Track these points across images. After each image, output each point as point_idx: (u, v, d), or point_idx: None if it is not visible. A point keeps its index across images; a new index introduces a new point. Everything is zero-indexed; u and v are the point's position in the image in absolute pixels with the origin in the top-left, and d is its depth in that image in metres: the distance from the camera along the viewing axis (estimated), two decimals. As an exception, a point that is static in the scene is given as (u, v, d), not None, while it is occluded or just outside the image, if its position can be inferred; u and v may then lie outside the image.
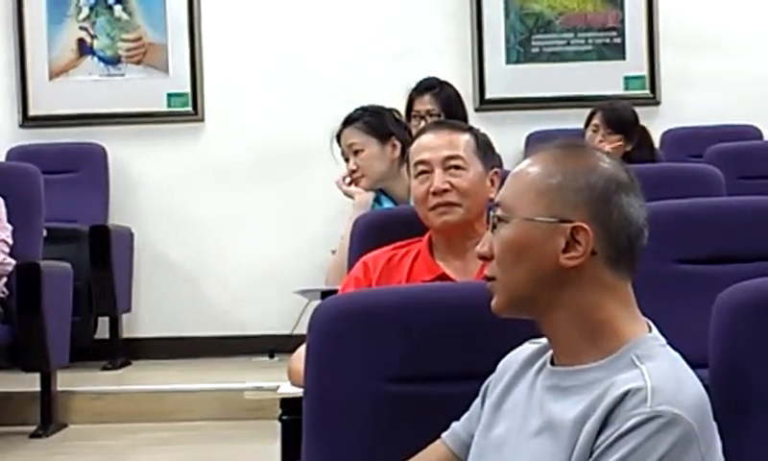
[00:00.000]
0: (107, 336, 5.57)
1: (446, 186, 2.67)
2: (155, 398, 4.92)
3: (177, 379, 5.16)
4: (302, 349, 2.54)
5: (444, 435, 1.83)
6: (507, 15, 5.84)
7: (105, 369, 5.43)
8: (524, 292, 1.65)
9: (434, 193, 2.67)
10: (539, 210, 1.64)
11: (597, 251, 1.61)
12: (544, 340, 1.72)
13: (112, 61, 5.90)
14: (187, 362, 5.52)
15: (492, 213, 1.71)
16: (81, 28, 5.89)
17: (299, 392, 2.09)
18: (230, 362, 5.47)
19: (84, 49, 5.90)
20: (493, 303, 1.69)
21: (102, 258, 5.37)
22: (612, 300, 1.63)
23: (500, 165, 2.98)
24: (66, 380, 4.87)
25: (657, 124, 5.56)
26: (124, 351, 5.60)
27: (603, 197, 1.62)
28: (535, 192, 1.65)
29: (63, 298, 4.83)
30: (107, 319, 5.56)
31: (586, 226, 1.61)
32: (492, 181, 2.74)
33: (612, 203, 1.62)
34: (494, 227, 1.68)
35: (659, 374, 1.56)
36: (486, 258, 1.69)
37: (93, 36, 5.90)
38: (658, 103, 5.83)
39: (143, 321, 5.79)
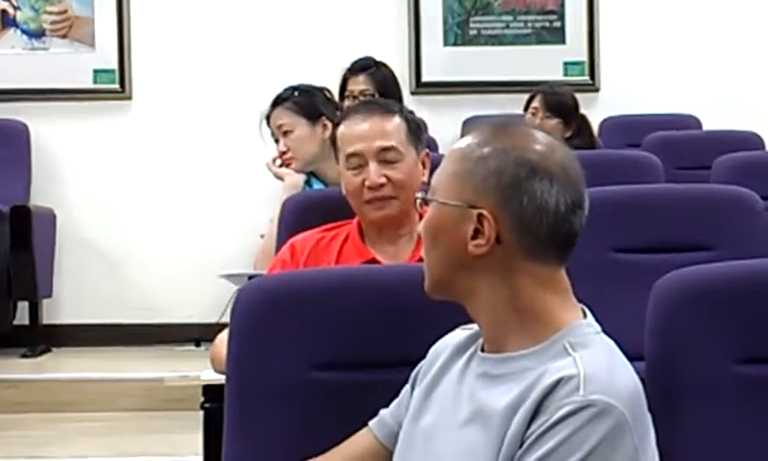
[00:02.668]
0: (26, 322, 5.43)
1: (382, 180, 2.60)
2: (75, 387, 4.81)
3: (99, 368, 5.04)
4: (225, 333, 2.45)
5: (371, 423, 1.79)
6: (445, -4, 5.77)
7: (24, 356, 5.29)
8: (440, 276, 1.65)
9: (369, 187, 2.60)
10: (452, 194, 1.63)
11: (505, 239, 1.59)
12: (476, 326, 1.68)
13: (36, 35, 5.74)
14: (110, 350, 5.41)
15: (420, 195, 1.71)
16: (3, -1, 5.77)
17: (221, 379, 2.02)
18: (155, 350, 5.38)
19: (6, 21, 5.75)
20: (424, 284, 1.68)
21: (22, 241, 5.23)
22: (538, 287, 1.60)
23: (434, 148, 2.89)
24: (-17, 368, 4.75)
25: (596, 111, 5.55)
26: (44, 338, 5.46)
27: (512, 184, 1.59)
28: (452, 176, 1.64)
29: (-19, 281, 4.69)
30: (26, 304, 5.43)
31: (486, 213, 1.59)
32: (423, 164, 2.67)
33: (523, 189, 1.58)
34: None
35: (592, 362, 1.53)
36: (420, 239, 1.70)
37: (16, 8, 5.75)
38: (597, 90, 5.81)
39: (64, 306, 5.66)
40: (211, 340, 5.09)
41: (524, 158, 1.60)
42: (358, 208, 2.64)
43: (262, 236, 3.86)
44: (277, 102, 3.77)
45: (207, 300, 5.35)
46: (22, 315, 5.42)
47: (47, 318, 5.55)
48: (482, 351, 1.65)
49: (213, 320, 5.04)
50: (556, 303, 1.61)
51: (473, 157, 1.62)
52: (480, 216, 1.59)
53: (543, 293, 1.60)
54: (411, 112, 2.74)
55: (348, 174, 2.64)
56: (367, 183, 2.59)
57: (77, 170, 5.72)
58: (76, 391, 4.77)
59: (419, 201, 1.68)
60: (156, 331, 5.53)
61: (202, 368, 2.71)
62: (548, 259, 1.61)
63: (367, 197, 2.60)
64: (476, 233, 1.59)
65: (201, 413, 2.41)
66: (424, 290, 1.67)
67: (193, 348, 5.34)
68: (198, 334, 5.32)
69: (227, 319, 4.64)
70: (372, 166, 2.60)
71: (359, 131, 2.65)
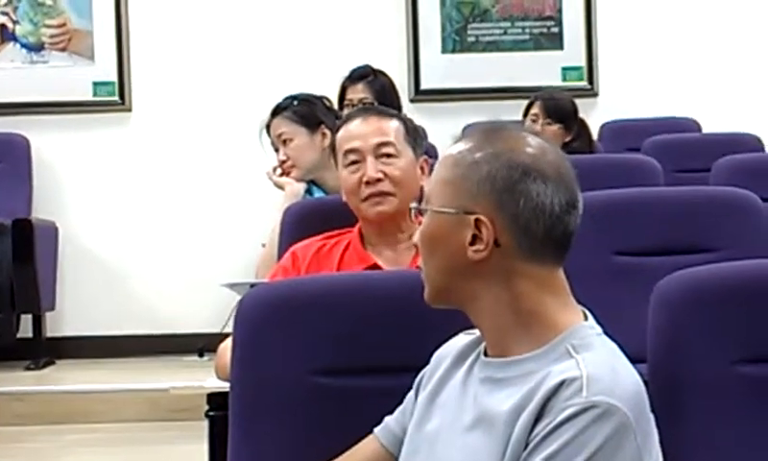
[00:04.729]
0: (30, 335, 5.44)
1: (380, 176, 2.61)
2: (79, 399, 4.82)
3: (102, 380, 5.06)
4: (229, 342, 2.45)
5: (376, 430, 1.79)
6: (443, 4, 5.78)
7: (27, 369, 5.30)
8: (440, 284, 1.64)
9: (367, 183, 2.60)
10: (447, 201, 1.62)
11: (503, 242, 1.58)
12: (479, 331, 1.68)
13: (35, 48, 5.75)
14: (113, 362, 5.41)
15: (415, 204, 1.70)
16: (2, 12, 5.75)
17: (226, 386, 2.02)
18: (158, 361, 5.38)
19: (5, 35, 5.76)
20: (424, 293, 1.67)
21: (25, 253, 5.24)
22: (538, 289, 1.60)
23: (434, 155, 2.91)
24: (-13, 380, 4.75)
25: (594, 116, 5.55)
26: (47, 351, 5.47)
27: (506, 187, 1.59)
28: (445, 183, 1.63)
29: (-16, 294, 4.68)
30: (29, 317, 5.43)
31: (484, 218, 1.58)
32: (422, 169, 2.68)
33: (518, 191, 1.58)
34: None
35: (594, 364, 1.53)
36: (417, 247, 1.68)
37: (15, 22, 5.76)
38: (596, 94, 5.81)
39: (68, 319, 5.66)
40: (214, 350, 5.09)
41: (516, 161, 1.60)
42: (356, 207, 2.63)
43: (263, 245, 3.86)
44: (277, 111, 3.76)
45: (210, 310, 5.33)
46: (26, 328, 5.43)
47: (50, 331, 5.56)
48: (485, 355, 1.65)
49: (216, 330, 5.02)
50: (556, 306, 1.60)
51: (465, 162, 1.61)
52: (477, 221, 1.58)
53: (544, 295, 1.60)
54: (412, 121, 2.75)
55: (346, 172, 2.65)
56: (364, 179, 2.60)
57: (78, 182, 5.72)
58: (80, 402, 4.78)
59: (413, 211, 1.67)
60: (158, 342, 5.52)
61: (205, 378, 2.72)
62: (546, 260, 1.60)
63: (364, 193, 2.60)
64: (474, 239, 1.59)
65: (204, 423, 2.40)
66: (424, 299, 1.66)
67: (196, 358, 5.32)
68: (201, 345, 5.29)
69: (230, 329, 4.64)
70: (370, 161, 2.61)
71: (356, 129, 2.67)
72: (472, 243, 1.59)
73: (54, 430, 4.60)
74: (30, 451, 4.42)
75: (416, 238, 1.67)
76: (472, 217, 1.59)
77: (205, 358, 5.18)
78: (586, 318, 1.64)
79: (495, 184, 1.59)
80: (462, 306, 1.64)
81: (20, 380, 5.07)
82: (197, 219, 5.69)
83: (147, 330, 5.60)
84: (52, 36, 5.74)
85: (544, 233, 1.59)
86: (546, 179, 1.59)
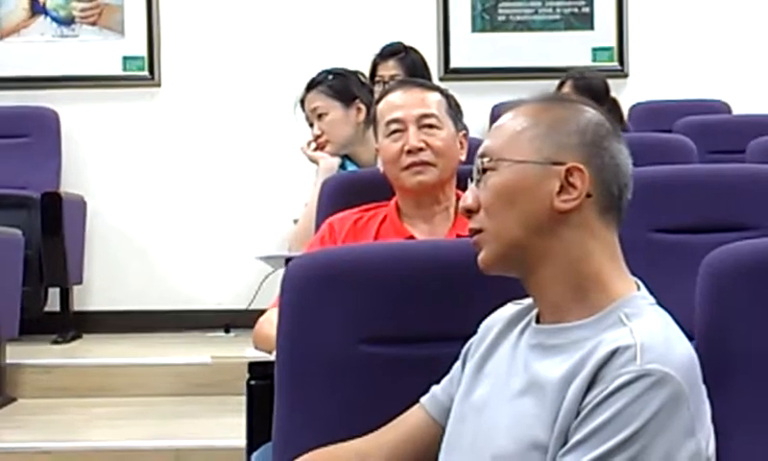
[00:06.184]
0: (57, 309, 5.43)
1: (422, 145, 2.61)
2: (105, 372, 4.81)
3: (128, 354, 5.05)
4: (270, 313, 2.46)
5: (422, 400, 1.78)
6: (474, -18, 5.74)
7: (55, 342, 5.30)
8: (517, 239, 1.61)
9: (409, 152, 2.61)
10: (530, 154, 1.61)
11: (592, 194, 1.59)
12: (528, 300, 1.67)
13: (66, 22, 5.73)
14: (140, 336, 5.40)
15: (477, 164, 1.65)
16: (33, -14, 5.75)
17: (267, 356, 2.03)
18: (185, 337, 5.37)
19: (36, 8, 5.74)
20: (481, 256, 1.64)
21: (53, 227, 5.22)
22: (602, 252, 1.61)
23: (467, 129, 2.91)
24: (15, 353, 4.74)
25: (625, 97, 5.50)
26: (74, 325, 5.47)
27: (594, 141, 1.61)
28: (524, 138, 1.62)
29: (14, 267, 4.67)
30: (57, 290, 5.42)
31: (581, 166, 1.59)
32: (461, 144, 2.68)
33: (604, 147, 1.61)
34: (479, 179, 1.64)
35: (648, 332, 1.52)
36: (471, 211, 1.65)
37: (46, -5, 5.75)
38: (626, 75, 5.77)
39: (95, 293, 5.66)
40: (241, 326, 5.11)
41: (601, 118, 1.63)
42: (396, 177, 2.63)
43: (295, 221, 3.86)
44: (312, 85, 3.77)
45: (237, 286, 5.36)
46: (53, 302, 5.42)
47: (78, 305, 5.55)
48: (536, 322, 1.64)
49: (242, 306, 5.04)
50: (614, 273, 1.61)
51: (549, 117, 1.62)
52: (568, 171, 1.58)
53: (607, 260, 1.61)
54: (452, 96, 2.76)
55: (387, 141, 2.65)
56: (406, 147, 2.60)
57: (106, 157, 5.71)
58: (106, 376, 4.77)
59: (483, 165, 1.63)
60: (185, 318, 5.52)
61: (234, 353, 2.71)
62: (612, 223, 1.62)
63: (405, 162, 2.60)
64: (561, 190, 1.59)
65: (232, 399, 2.41)
66: (478, 264, 1.64)
67: (222, 334, 5.34)
68: (227, 321, 5.32)
69: (256, 305, 4.67)
70: (412, 130, 2.62)
71: (399, 100, 2.68)
72: (559, 194, 1.59)
73: (80, 403, 4.60)
74: (57, 424, 4.41)
75: (464, 202, 1.65)
76: (562, 167, 1.59)
77: (231, 334, 5.24)
78: (638, 288, 1.63)
79: (585, 137, 1.61)
80: (526, 269, 1.62)
81: (47, 353, 5.07)
82: (225, 195, 5.67)
83: (173, 306, 5.59)
84: (82, 10, 5.72)
85: (618, 194, 1.62)
86: (622, 141, 1.63)
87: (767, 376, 1.74)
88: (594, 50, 5.75)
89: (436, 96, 2.69)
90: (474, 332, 1.74)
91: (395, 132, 2.64)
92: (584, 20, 5.76)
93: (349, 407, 1.87)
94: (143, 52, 5.70)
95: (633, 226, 2.73)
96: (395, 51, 4.54)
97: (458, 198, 2.56)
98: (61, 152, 5.63)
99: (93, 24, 5.73)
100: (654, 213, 2.83)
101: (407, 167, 2.61)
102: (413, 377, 1.79)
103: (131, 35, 5.71)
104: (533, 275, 1.62)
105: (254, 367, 2.32)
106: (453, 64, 5.73)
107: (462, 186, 2.14)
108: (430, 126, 2.63)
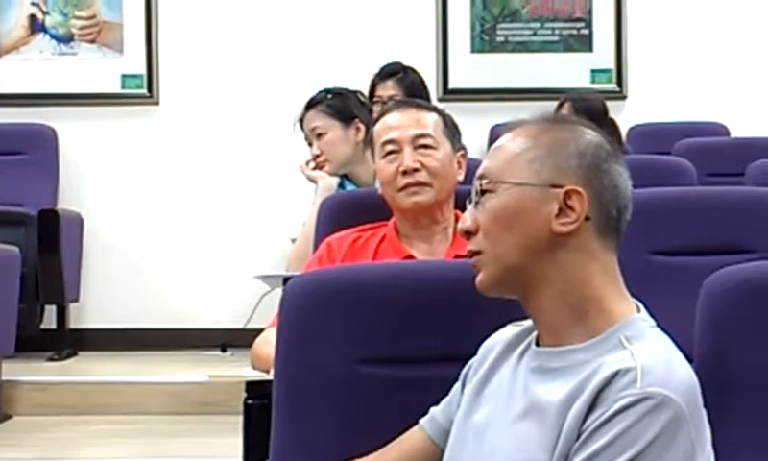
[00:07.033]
0: (53, 326, 5.44)
1: (417, 166, 2.60)
2: (101, 390, 4.81)
3: (125, 372, 5.05)
4: (268, 333, 2.45)
5: (422, 421, 1.77)
6: (473, 3, 5.76)
7: (51, 360, 5.30)
8: (515, 262, 1.60)
9: (404, 172, 2.60)
10: (529, 177, 1.60)
11: (591, 216, 1.58)
12: (528, 322, 1.66)
13: (65, 40, 5.75)
14: (135, 355, 5.40)
15: (476, 186, 1.64)
16: (32, 3, 5.74)
17: (264, 375, 2.03)
18: (180, 355, 5.36)
19: (35, 26, 5.76)
20: (479, 279, 1.64)
21: (50, 244, 5.23)
22: (601, 274, 1.59)
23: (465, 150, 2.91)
24: (11, 370, 4.74)
25: (623, 119, 5.52)
26: (71, 342, 5.47)
27: (594, 163, 1.60)
28: (523, 160, 1.62)
29: (10, 284, 4.67)
30: (53, 307, 5.43)
31: (579, 189, 1.58)
32: (458, 164, 2.67)
33: (603, 169, 1.60)
34: (478, 200, 1.64)
35: (649, 355, 1.52)
36: (469, 233, 1.64)
37: (45, 13, 5.75)
38: (624, 97, 5.78)
39: (91, 311, 5.66)
40: (237, 345, 5.10)
41: (601, 141, 1.63)
42: (392, 198, 2.63)
43: (293, 240, 3.85)
44: (311, 105, 3.76)
45: (234, 305, 5.35)
46: (49, 319, 5.42)
47: (74, 322, 5.54)
48: (536, 345, 1.63)
49: (239, 325, 5.03)
50: (615, 296, 1.60)
51: (548, 139, 1.62)
52: (567, 194, 1.58)
53: (607, 282, 1.60)
54: (450, 116, 2.75)
55: (383, 162, 2.64)
56: (401, 168, 2.59)
57: (104, 175, 5.72)
58: (102, 394, 4.77)
59: (482, 186, 1.62)
60: (181, 336, 5.52)
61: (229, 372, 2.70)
62: (611, 246, 1.61)
63: (401, 183, 2.60)
64: (559, 212, 1.58)
65: (227, 419, 2.40)
66: (477, 287, 1.63)
67: (219, 353, 5.33)
68: (224, 339, 5.31)
69: (253, 324, 4.65)
70: (407, 151, 2.61)
71: (395, 121, 2.67)
72: (558, 216, 1.58)
73: (76, 421, 4.60)
74: (52, 441, 4.40)
75: (463, 224, 1.64)
76: (561, 190, 1.58)
77: (228, 353, 5.22)
78: (638, 310, 1.62)
79: (584, 160, 1.60)
80: (525, 292, 1.61)
81: (43, 371, 5.07)
82: (222, 213, 5.68)
83: (170, 324, 5.58)
84: (81, 28, 5.73)
85: (616, 216, 1.61)
86: (621, 163, 1.62)
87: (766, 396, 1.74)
88: (593, 72, 5.76)
89: (432, 116, 2.68)
90: (474, 353, 1.73)
91: (390, 153, 2.63)
92: (582, 42, 5.77)
93: (347, 428, 1.87)
94: (142, 70, 5.72)
95: (632, 248, 2.73)
96: (393, 71, 4.54)
97: (457, 218, 2.56)
98: (59, 169, 5.63)
99: (92, 42, 5.74)
100: (653, 235, 2.82)
101: (403, 188, 2.60)
102: (411, 398, 1.79)
103: (129, 53, 5.72)
104: (532, 297, 1.61)
105: (252, 386, 2.30)
106: (452, 85, 5.75)
107: (461, 207, 2.13)
108: (426, 146, 2.62)
